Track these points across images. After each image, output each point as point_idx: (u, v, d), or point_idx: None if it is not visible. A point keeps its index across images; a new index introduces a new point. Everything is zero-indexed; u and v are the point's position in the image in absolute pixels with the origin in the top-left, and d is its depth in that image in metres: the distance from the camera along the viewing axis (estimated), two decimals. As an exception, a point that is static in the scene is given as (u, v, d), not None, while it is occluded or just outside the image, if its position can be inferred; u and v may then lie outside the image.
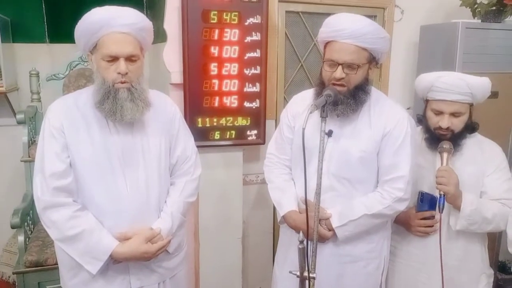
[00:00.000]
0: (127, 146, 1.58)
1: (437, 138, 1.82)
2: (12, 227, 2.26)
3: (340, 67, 1.62)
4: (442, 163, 1.78)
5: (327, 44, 1.69)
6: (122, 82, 1.50)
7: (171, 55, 2.25)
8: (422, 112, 1.92)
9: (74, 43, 1.57)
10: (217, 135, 2.35)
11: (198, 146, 1.84)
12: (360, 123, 1.73)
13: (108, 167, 1.56)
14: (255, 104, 2.38)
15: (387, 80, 2.87)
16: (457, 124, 1.80)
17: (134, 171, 1.59)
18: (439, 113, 1.81)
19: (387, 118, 1.72)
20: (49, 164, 1.52)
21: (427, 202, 1.84)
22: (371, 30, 1.62)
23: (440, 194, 1.74)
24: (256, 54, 2.32)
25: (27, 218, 2.46)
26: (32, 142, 2.64)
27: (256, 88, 2.36)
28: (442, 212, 1.74)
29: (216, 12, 2.20)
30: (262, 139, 2.44)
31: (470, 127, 1.85)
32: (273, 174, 1.91)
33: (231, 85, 2.31)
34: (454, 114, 1.79)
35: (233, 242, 2.57)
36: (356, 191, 1.75)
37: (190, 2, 2.15)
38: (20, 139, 2.56)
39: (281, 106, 2.59)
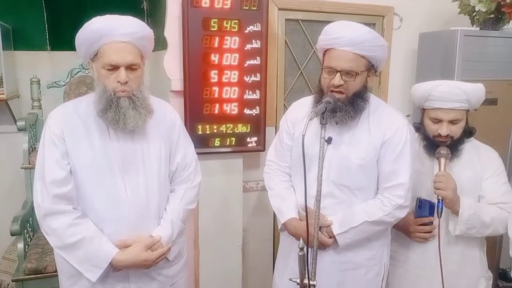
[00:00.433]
0: (127, 153, 1.59)
1: (436, 145, 1.84)
2: (12, 234, 2.26)
3: (338, 74, 1.63)
4: (439, 169, 1.80)
5: (326, 51, 1.70)
6: (122, 91, 1.51)
7: (172, 62, 2.26)
8: (419, 120, 1.94)
9: (75, 50, 1.58)
10: (217, 142, 2.36)
11: (198, 153, 1.85)
12: (359, 130, 1.74)
13: (108, 174, 1.56)
14: (255, 111, 2.39)
15: (386, 88, 2.88)
16: (456, 130, 1.82)
17: (134, 178, 1.59)
18: (437, 121, 1.83)
19: (386, 126, 1.73)
20: (50, 171, 1.52)
21: (425, 209, 1.85)
22: (370, 38, 1.63)
23: (438, 199, 1.76)
24: (256, 61, 2.33)
25: (27, 225, 2.46)
26: (32, 149, 2.64)
27: (256, 95, 2.37)
28: (440, 217, 1.76)
29: (216, 20, 2.22)
30: (262, 146, 2.45)
31: (468, 132, 1.88)
32: (273, 181, 1.91)
33: (231, 92, 2.32)
34: (452, 122, 1.81)
35: (233, 250, 2.57)
36: (356, 198, 1.75)
37: (191, 10, 2.16)
38: (21, 146, 2.56)
39: (281, 113, 2.59)
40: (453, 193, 1.75)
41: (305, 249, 1.36)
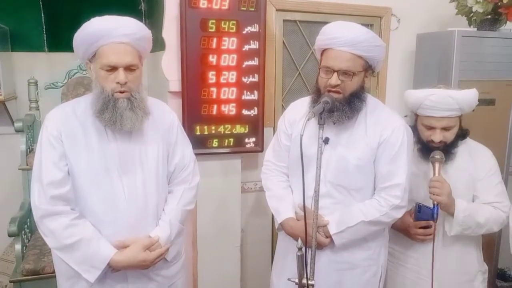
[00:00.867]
0: (125, 154, 1.59)
1: (429, 149, 1.86)
2: (10, 235, 2.26)
3: (335, 74, 1.63)
4: (434, 173, 1.82)
5: (323, 51, 1.70)
6: (121, 92, 1.51)
7: (170, 63, 2.26)
8: (413, 123, 1.96)
9: (73, 52, 1.58)
10: (215, 142, 2.36)
11: (196, 154, 1.84)
12: (356, 130, 1.74)
13: (106, 175, 1.56)
14: (253, 112, 2.39)
15: (384, 88, 2.89)
16: (449, 136, 1.85)
17: (132, 179, 1.59)
18: (430, 128, 1.86)
19: (383, 126, 1.73)
20: (47, 172, 1.51)
21: (424, 214, 1.86)
22: (367, 38, 1.63)
23: (434, 204, 1.79)
24: (254, 62, 2.34)
25: (25, 227, 2.45)
26: (30, 151, 2.64)
27: (254, 96, 2.37)
28: (436, 221, 1.80)
29: (214, 21, 2.22)
30: (260, 147, 2.45)
31: (461, 135, 1.90)
32: (270, 181, 1.91)
33: (229, 93, 2.32)
34: (445, 128, 1.84)
35: (232, 250, 2.57)
36: (353, 198, 1.76)
37: (189, 11, 2.17)
38: (18, 148, 2.56)
39: (279, 114, 2.59)
40: (448, 197, 1.79)
41: (303, 249, 1.36)
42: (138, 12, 2.83)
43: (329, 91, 1.65)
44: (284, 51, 2.66)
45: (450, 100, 1.80)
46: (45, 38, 2.88)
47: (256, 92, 2.37)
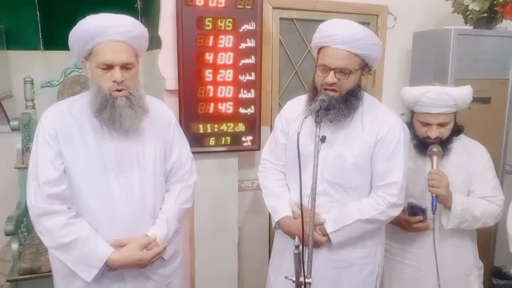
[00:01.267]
0: (122, 152, 1.58)
1: (425, 145, 1.90)
2: (6, 234, 2.25)
3: (332, 72, 1.63)
4: (432, 166, 1.85)
5: (320, 49, 1.70)
6: (119, 90, 1.50)
7: (166, 61, 2.26)
8: (409, 120, 1.99)
9: (69, 50, 1.57)
10: (212, 141, 2.36)
11: (193, 153, 1.84)
12: (353, 129, 1.74)
13: (103, 174, 1.55)
14: (250, 110, 2.39)
15: (380, 87, 2.89)
16: (445, 132, 1.89)
17: (129, 178, 1.59)
18: (426, 124, 1.89)
19: (380, 124, 1.73)
20: (43, 171, 1.51)
21: (418, 212, 1.91)
22: (364, 36, 1.63)
23: (433, 196, 1.82)
24: (251, 60, 2.33)
25: (21, 226, 2.44)
26: (26, 149, 2.63)
27: (251, 94, 2.37)
28: (435, 214, 1.83)
29: (210, 19, 2.21)
30: (257, 145, 2.45)
31: (456, 131, 1.94)
32: (267, 180, 1.91)
33: (226, 91, 2.32)
34: (441, 125, 1.87)
35: (229, 249, 2.57)
36: (350, 196, 1.76)
37: (185, 8, 2.16)
38: (14, 146, 2.54)
39: (276, 112, 2.59)
40: (446, 190, 1.82)
41: (300, 247, 1.36)
42: (134, 10, 2.82)
43: (325, 89, 1.65)
44: (281, 49, 2.66)
45: (446, 96, 1.83)
46: (41, 37, 2.86)
47: (253, 91, 2.37)
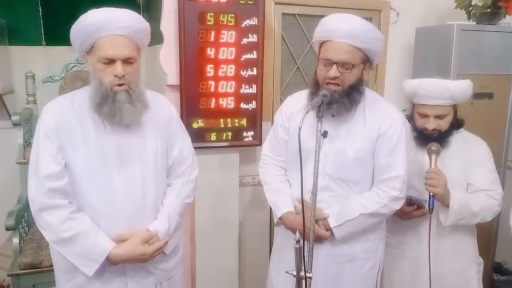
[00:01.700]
0: (123, 147, 1.58)
1: (425, 137, 1.92)
2: (7, 229, 2.25)
3: (335, 66, 1.63)
4: (430, 165, 1.86)
5: (322, 43, 1.70)
6: (120, 85, 1.49)
7: (168, 56, 2.25)
8: (410, 113, 2.02)
9: (71, 45, 1.56)
10: (213, 136, 2.35)
11: (194, 148, 1.83)
12: (355, 123, 1.74)
13: (104, 169, 1.55)
14: (252, 105, 2.38)
15: (383, 82, 2.89)
16: (442, 124, 1.90)
17: (130, 173, 1.58)
18: (424, 116, 1.91)
19: (382, 119, 1.74)
20: (44, 165, 1.50)
21: (416, 205, 1.92)
22: (366, 30, 1.63)
23: (430, 195, 1.82)
24: (253, 55, 2.33)
25: (22, 220, 2.44)
26: (27, 144, 2.62)
27: (252, 90, 2.37)
28: (432, 213, 1.83)
29: (212, 14, 2.21)
30: (258, 141, 2.44)
31: (456, 125, 1.96)
32: (268, 176, 1.91)
33: (227, 86, 2.31)
34: (438, 117, 1.89)
35: (230, 244, 2.57)
36: (352, 191, 1.77)
37: (187, 4, 2.16)
38: (16, 142, 2.54)
39: (277, 108, 2.55)
40: (443, 189, 1.82)
41: (301, 242, 1.36)
42: (136, 5, 2.82)
43: (328, 83, 1.65)
44: (282, 44, 2.65)
45: (442, 89, 1.85)
46: (42, 32, 2.86)
47: (254, 86, 2.37)
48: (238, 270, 2.63)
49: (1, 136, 2.80)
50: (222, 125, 2.36)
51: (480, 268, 2.05)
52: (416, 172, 1.93)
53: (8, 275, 2.25)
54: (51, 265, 1.69)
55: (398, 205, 1.76)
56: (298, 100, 1.84)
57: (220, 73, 2.28)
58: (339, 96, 1.66)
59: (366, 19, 2.66)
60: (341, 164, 1.73)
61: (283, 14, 2.61)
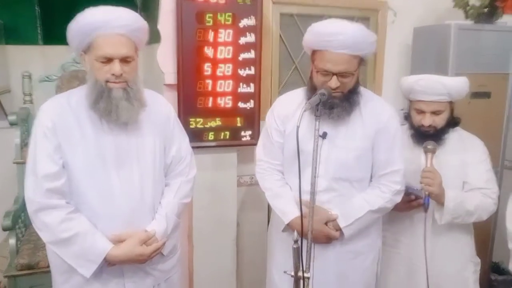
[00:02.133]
0: (121, 146, 1.57)
1: (421, 134, 1.93)
2: (4, 229, 2.24)
3: (335, 77, 1.64)
4: (426, 164, 1.87)
5: (317, 51, 1.68)
6: (116, 82, 1.49)
7: (165, 56, 2.25)
8: (407, 110, 2.04)
9: (68, 45, 1.55)
10: (211, 136, 2.35)
11: (192, 147, 1.82)
12: (352, 122, 1.75)
13: (102, 168, 1.54)
14: (249, 104, 2.38)
15: (381, 82, 2.88)
16: (438, 121, 1.92)
17: (128, 172, 1.58)
18: (420, 112, 1.92)
19: (379, 115, 1.77)
20: (42, 165, 1.49)
21: (413, 194, 1.92)
22: (363, 37, 1.63)
23: (425, 194, 1.83)
24: (251, 55, 2.32)
25: (19, 221, 2.43)
26: (24, 144, 2.61)
27: (250, 89, 2.36)
28: (427, 212, 1.84)
29: (210, 14, 2.20)
30: (256, 140, 2.40)
31: (452, 123, 1.97)
32: (267, 181, 1.89)
33: (225, 85, 2.31)
34: (435, 113, 1.90)
35: (227, 244, 2.56)
36: (355, 189, 1.79)
37: (185, 3, 2.15)
38: (12, 141, 2.53)
39: (275, 108, 2.58)
40: (439, 188, 1.84)
41: (299, 242, 1.36)
42: (133, 5, 2.81)
43: None
44: (280, 44, 2.65)
45: (438, 85, 1.87)
46: (39, 31, 2.86)
47: (252, 85, 2.36)
48: (236, 270, 2.62)
49: (-2, 136, 2.79)
50: (219, 125, 2.35)
51: (477, 268, 2.05)
52: (412, 170, 1.93)
53: (5, 276, 2.24)
54: (48, 266, 1.68)
55: (399, 198, 1.82)
56: (290, 100, 1.84)
57: (217, 73, 2.28)
58: (340, 101, 1.67)
59: (364, 19, 2.71)
60: (344, 165, 1.75)
61: (281, 13, 2.61)
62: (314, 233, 1.59)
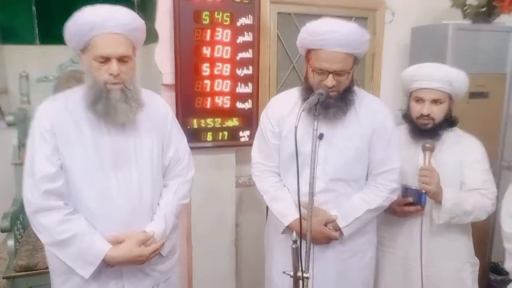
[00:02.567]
0: (119, 147, 1.56)
1: (420, 130, 1.92)
2: (2, 231, 2.24)
3: (331, 75, 1.63)
4: (424, 162, 1.87)
5: (312, 50, 1.68)
6: (114, 83, 1.48)
7: (163, 56, 2.24)
8: (406, 107, 2.03)
9: (65, 45, 1.54)
10: (209, 136, 2.34)
11: (190, 148, 1.82)
12: (348, 122, 1.75)
13: (100, 169, 1.54)
14: (248, 104, 2.38)
15: (379, 82, 2.88)
16: (437, 112, 1.91)
17: (126, 173, 1.57)
18: (420, 100, 1.92)
19: (375, 114, 1.77)
20: (40, 166, 1.49)
21: (411, 195, 1.92)
22: (357, 36, 1.63)
23: (423, 192, 1.85)
24: (248, 54, 2.32)
25: (17, 222, 2.43)
26: (22, 145, 2.61)
27: (248, 89, 2.36)
28: (423, 209, 1.87)
29: (207, 13, 2.20)
30: (254, 140, 2.43)
31: (450, 122, 1.96)
32: (265, 184, 1.88)
33: (223, 85, 2.30)
34: (434, 102, 1.90)
35: (226, 245, 2.56)
36: (352, 189, 1.79)
37: (182, 2, 2.14)
38: (10, 142, 2.53)
39: (273, 108, 2.58)
40: (436, 186, 1.83)
41: (298, 242, 1.36)
42: (131, 4, 2.81)
43: None
44: (278, 43, 2.64)
45: (439, 72, 1.89)
46: (36, 31, 2.86)
47: (250, 85, 2.36)
48: (235, 271, 2.62)
49: (-5, 137, 2.78)
50: (218, 125, 2.35)
51: (475, 268, 2.03)
52: (409, 170, 1.94)
53: (3, 278, 2.24)
54: (47, 267, 1.68)
55: (396, 196, 1.83)
56: (285, 101, 1.84)
57: (215, 72, 2.27)
58: (335, 101, 1.67)
59: (362, 18, 2.70)
60: (342, 165, 1.75)
61: (279, 13, 2.60)
62: (314, 234, 1.60)
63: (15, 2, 2.80)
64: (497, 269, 3.04)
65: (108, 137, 1.55)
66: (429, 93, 1.89)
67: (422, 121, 1.91)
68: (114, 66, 1.46)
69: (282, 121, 1.81)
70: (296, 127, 1.36)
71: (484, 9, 2.61)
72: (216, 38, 2.24)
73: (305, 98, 1.71)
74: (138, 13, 1.58)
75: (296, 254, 1.37)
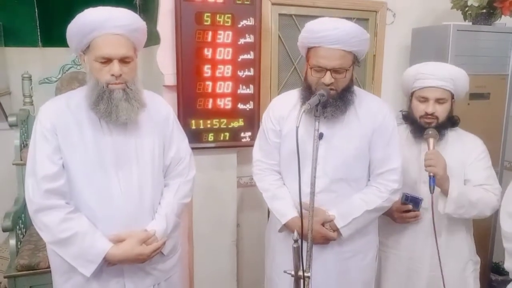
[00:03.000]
0: (120, 147, 1.57)
1: (422, 128, 1.92)
2: (4, 230, 2.24)
3: (328, 72, 1.64)
4: (429, 148, 1.86)
5: (311, 49, 1.69)
6: (116, 84, 1.49)
7: (165, 57, 2.25)
8: (408, 107, 2.03)
9: (67, 46, 1.56)
10: (210, 137, 2.35)
11: (191, 148, 1.83)
12: (348, 121, 1.76)
13: (101, 169, 1.55)
14: (249, 105, 2.38)
15: (379, 83, 2.89)
16: (441, 111, 1.91)
17: (128, 173, 1.58)
18: (424, 99, 1.91)
19: (375, 113, 1.77)
20: (41, 166, 1.50)
21: (410, 202, 1.92)
22: (356, 33, 1.63)
23: (430, 175, 1.80)
24: (250, 56, 2.33)
25: (19, 222, 2.44)
26: (24, 146, 2.62)
27: (250, 90, 2.37)
28: (433, 192, 1.80)
29: (209, 14, 2.21)
30: (256, 141, 2.44)
31: (452, 121, 1.97)
32: (265, 182, 1.89)
33: (224, 87, 2.31)
34: (438, 101, 1.90)
35: (228, 245, 2.56)
36: (352, 189, 1.79)
37: (184, 4, 2.16)
38: (12, 143, 2.54)
39: (274, 109, 2.58)
40: (443, 171, 1.81)
41: (299, 241, 1.36)
42: (133, 6, 2.81)
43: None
44: (279, 45, 2.65)
45: (442, 70, 1.90)
46: (38, 33, 2.86)
47: (251, 86, 2.37)
48: (236, 271, 2.62)
49: (-3, 138, 2.79)
50: (219, 126, 2.35)
51: (477, 266, 2.04)
52: (411, 168, 1.94)
53: (5, 277, 2.24)
54: (48, 267, 1.69)
55: (397, 197, 1.82)
56: (285, 101, 1.85)
57: (217, 74, 2.28)
58: (334, 100, 1.67)
59: (363, 20, 2.71)
60: (342, 165, 1.75)
61: (280, 14, 2.61)
62: (312, 234, 1.59)
63: (17, 4, 2.81)
64: (498, 269, 3.04)
65: (110, 137, 1.56)
66: (433, 92, 1.89)
67: (426, 120, 1.91)
68: (115, 67, 1.47)
69: (282, 120, 1.82)
70: (297, 127, 1.37)
71: (485, 10, 2.61)
72: (218, 40, 2.25)
73: (304, 97, 1.72)
74: (139, 15, 1.59)
75: (297, 253, 1.37)
